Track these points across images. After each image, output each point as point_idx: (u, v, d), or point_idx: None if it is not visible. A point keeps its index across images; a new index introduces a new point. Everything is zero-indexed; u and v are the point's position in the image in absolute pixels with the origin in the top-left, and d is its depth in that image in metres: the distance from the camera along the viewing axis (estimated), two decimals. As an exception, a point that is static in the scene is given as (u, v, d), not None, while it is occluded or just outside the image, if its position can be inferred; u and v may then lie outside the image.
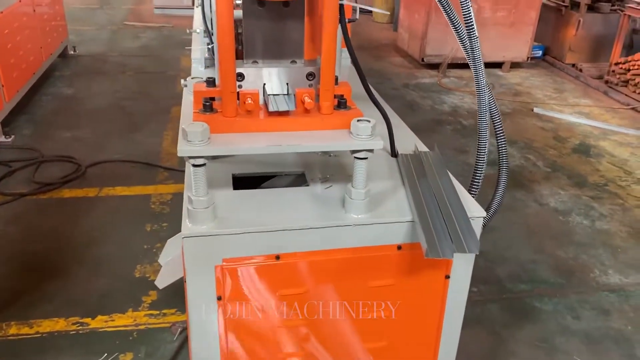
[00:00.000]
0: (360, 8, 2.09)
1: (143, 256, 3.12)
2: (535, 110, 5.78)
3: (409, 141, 2.12)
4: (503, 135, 2.06)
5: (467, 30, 1.85)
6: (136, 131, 4.79)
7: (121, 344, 2.52)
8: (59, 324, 2.61)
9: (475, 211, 1.69)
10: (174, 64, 6.76)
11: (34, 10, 5.54)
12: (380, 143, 1.55)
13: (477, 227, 1.69)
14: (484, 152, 1.98)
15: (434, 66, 6.98)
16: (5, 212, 3.52)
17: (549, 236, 3.61)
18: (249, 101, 1.57)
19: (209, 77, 1.69)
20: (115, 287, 2.87)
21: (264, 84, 1.67)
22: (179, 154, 1.47)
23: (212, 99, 1.67)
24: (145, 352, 2.48)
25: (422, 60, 6.96)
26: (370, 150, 1.55)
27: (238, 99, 1.60)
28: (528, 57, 7.15)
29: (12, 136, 4.56)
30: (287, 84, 1.68)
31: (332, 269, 1.64)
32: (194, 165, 1.50)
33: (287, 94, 1.64)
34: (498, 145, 2.07)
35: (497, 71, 7.11)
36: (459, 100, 6.01)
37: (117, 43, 7.66)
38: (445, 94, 6.22)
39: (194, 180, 1.52)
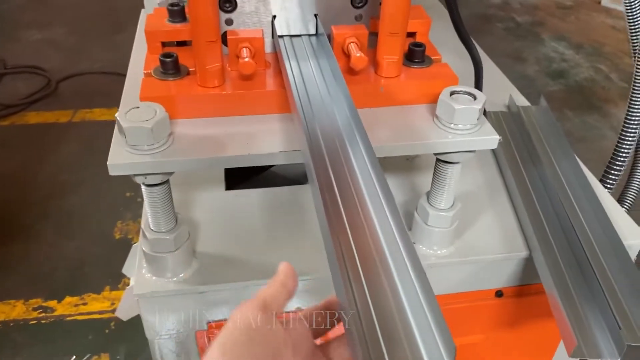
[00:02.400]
0: None
1: (125, 208, 2.47)
2: (603, 3, 4.76)
3: (498, 86, 1.38)
4: None
5: None
6: (122, 32, 3.92)
7: (95, 340, 1.94)
8: (16, 310, 2.04)
9: (631, 233, 1.01)
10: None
11: None
12: (495, 139, 0.82)
13: (633, 257, 1.03)
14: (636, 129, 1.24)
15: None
16: (-45, 144, 2.85)
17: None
18: (245, 57, 0.81)
19: (174, 2, 0.93)
20: (90, 253, 2.26)
21: (273, 17, 0.90)
22: (110, 172, 0.76)
23: (183, 43, 0.93)
24: (125, 354, 1.91)
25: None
26: (472, 151, 0.84)
27: (225, 45, 0.86)
28: None
29: (-30, 39, 3.77)
30: (315, 15, 0.91)
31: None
32: (147, 185, 0.80)
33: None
34: None
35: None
36: (509, -11, 4.99)
37: None
38: (491, -20, 5.17)
39: (149, 208, 0.83)
